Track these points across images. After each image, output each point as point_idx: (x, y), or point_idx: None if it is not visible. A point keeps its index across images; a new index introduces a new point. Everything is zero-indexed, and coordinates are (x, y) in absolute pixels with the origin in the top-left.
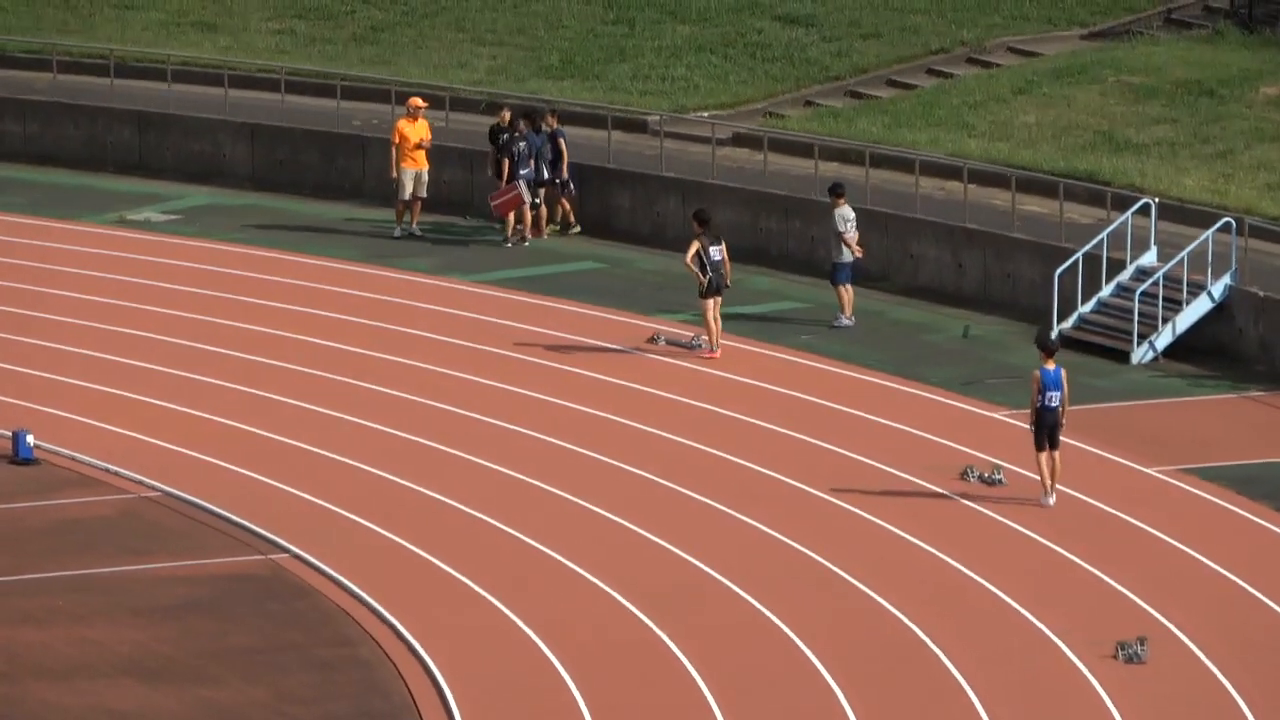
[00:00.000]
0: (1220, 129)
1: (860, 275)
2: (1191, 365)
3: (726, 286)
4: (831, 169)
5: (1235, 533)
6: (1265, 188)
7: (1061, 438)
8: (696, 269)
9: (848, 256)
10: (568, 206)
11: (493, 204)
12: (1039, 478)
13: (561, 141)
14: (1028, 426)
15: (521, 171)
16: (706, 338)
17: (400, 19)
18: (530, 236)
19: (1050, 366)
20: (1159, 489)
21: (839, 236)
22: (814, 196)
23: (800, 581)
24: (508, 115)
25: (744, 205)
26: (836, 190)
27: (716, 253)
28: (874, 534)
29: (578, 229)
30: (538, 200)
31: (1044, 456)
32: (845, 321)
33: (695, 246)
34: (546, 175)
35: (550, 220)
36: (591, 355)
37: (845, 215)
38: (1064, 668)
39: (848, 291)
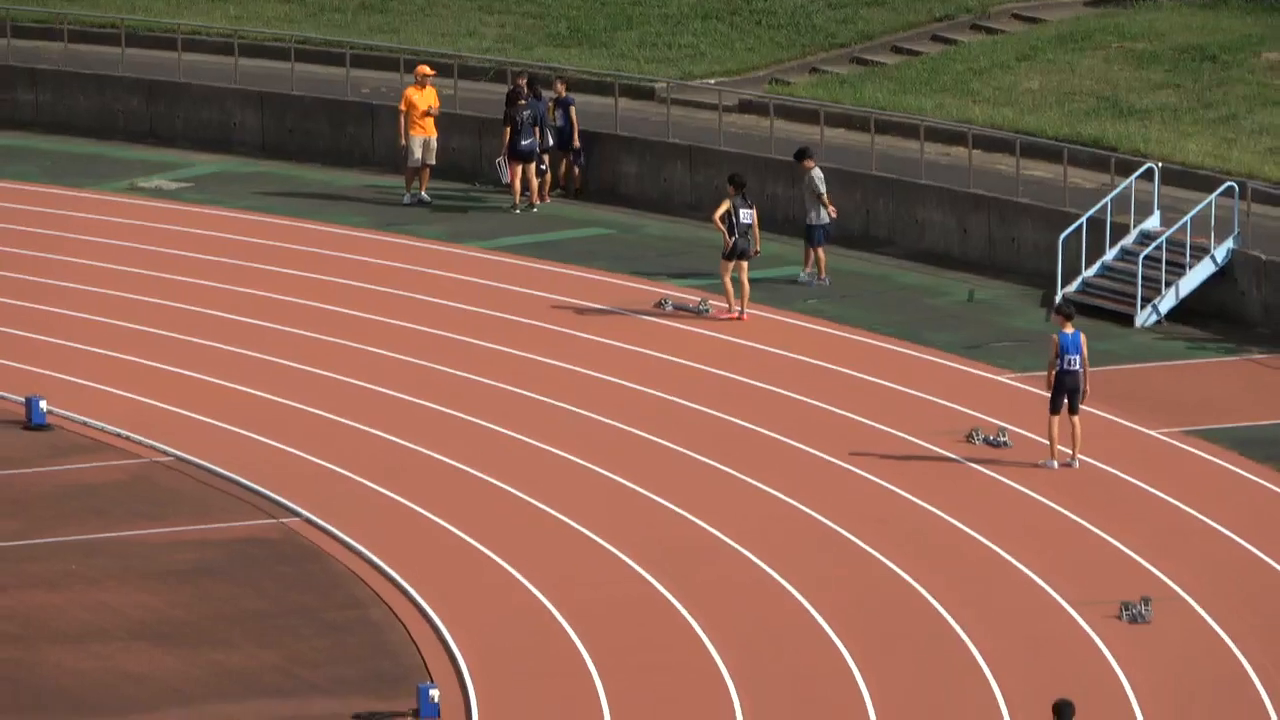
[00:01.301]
0: (1222, 94)
1: (866, 240)
2: (1194, 328)
3: (756, 253)
4: (837, 135)
5: (1238, 494)
6: (1267, 152)
7: (1081, 405)
8: (724, 228)
9: (825, 218)
10: (576, 172)
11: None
12: (1046, 441)
13: (572, 110)
14: (1046, 392)
15: (524, 141)
16: (723, 302)
17: None
18: (537, 203)
19: (1068, 330)
20: (1163, 450)
21: (819, 198)
22: (821, 162)
23: (806, 542)
24: (524, 82)
25: (750, 171)
26: (806, 154)
27: (747, 216)
28: (879, 496)
29: (559, 191)
30: (544, 167)
31: (1056, 420)
32: (822, 281)
33: (725, 205)
34: (551, 142)
35: (554, 186)
36: (599, 320)
37: (820, 177)
38: (1069, 628)
39: (823, 253)
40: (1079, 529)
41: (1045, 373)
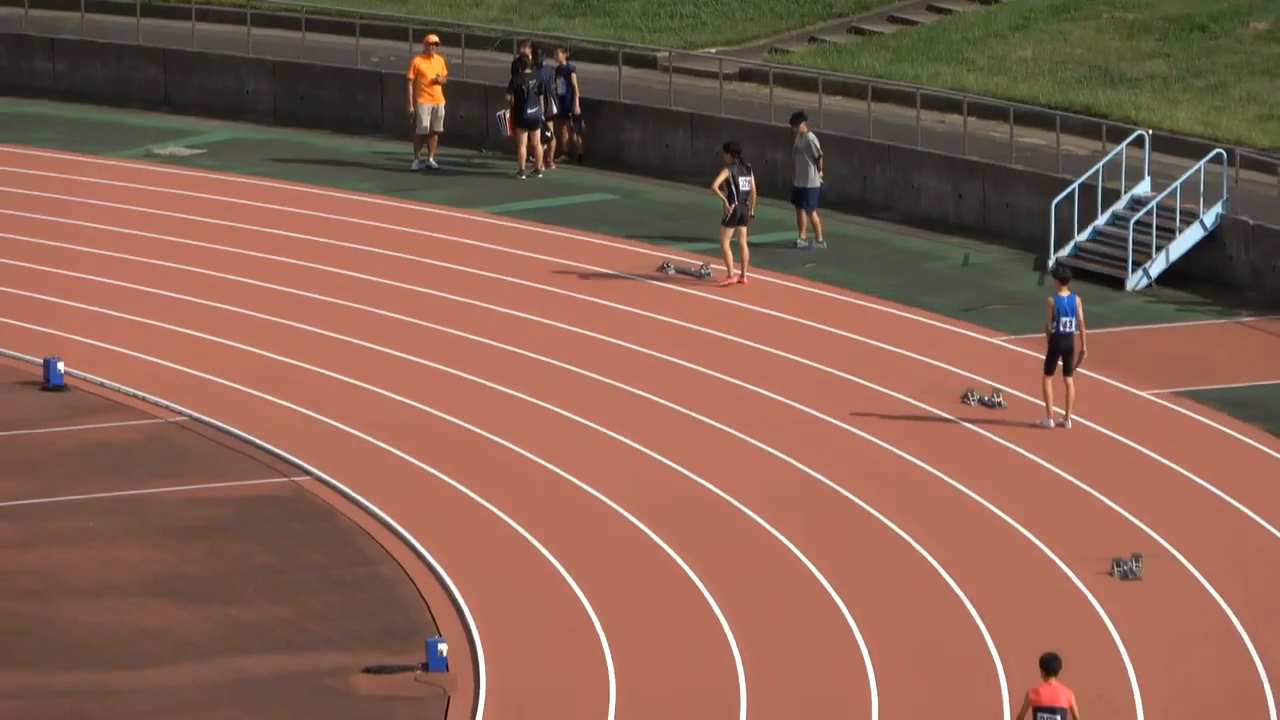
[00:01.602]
0: (1211, 63)
1: (863, 205)
2: (1184, 291)
3: (751, 218)
4: (835, 102)
5: (1228, 454)
6: (1255, 119)
7: (1076, 366)
8: (724, 196)
9: (818, 181)
10: (577, 139)
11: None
12: (1041, 401)
13: (574, 77)
14: (1036, 353)
15: (529, 109)
16: (725, 266)
17: None
18: (542, 169)
19: (1064, 293)
20: (1154, 411)
21: (816, 162)
22: (819, 129)
23: (805, 500)
24: (529, 51)
25: (750, 138)
26: (802, 117)
27: (745, 183)
28: (877, 455)
29: (564, 158)
30: (549, 134)
31: (1050, 381)
32: (820, 244)
33: (725, 175)
34: (555, 110)
35: (559, 152)
36: (603, 283)
37: (814, 141)
38: (1061, 584)
39: (818, 217)
40: (1071, 487)
41: (1042, 335)
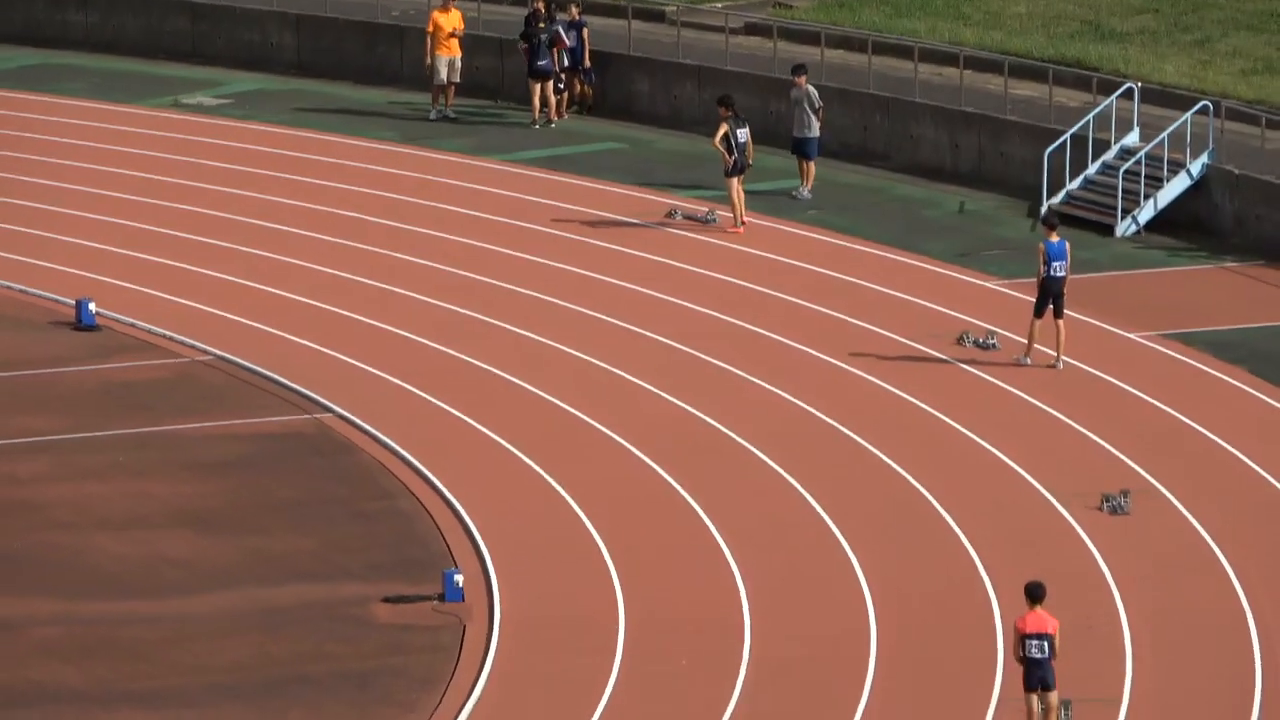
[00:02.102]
0: (1198, 18)
1: (863, 155)
2: (1171, 238)
3: (749, 165)
4: (836, 56)
5: (1212, 394)
6: (1240, 73)
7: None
8: (724, 149)
9: (817, 131)
10: (587, 91)
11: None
12: (1025, 340)
13: (585, 32)
14: (1026, 296)
15: (540, 61)
16: (729, 213)
17: None
18: (555, 119)
19: (1054, 239)
20: (1141, 353)
21: (816, 113)
22: (821, 82)
23: (806, 438)
24: (542, 6)
25: (755, 90)
26: (803, 69)
27: (742, 135)
28: (876, 394)
29: (575, 108)
30: (561, 85)
31: (1039, 324)
32: (806, 194)
33: (723, 129)
34: (566, 63)
35: (571, 103)
36: (614, 229)
37: (813, 93)
38: (1052, 518)
39: (814, 166)
40: (1063, 426)
41: (1033, 279)
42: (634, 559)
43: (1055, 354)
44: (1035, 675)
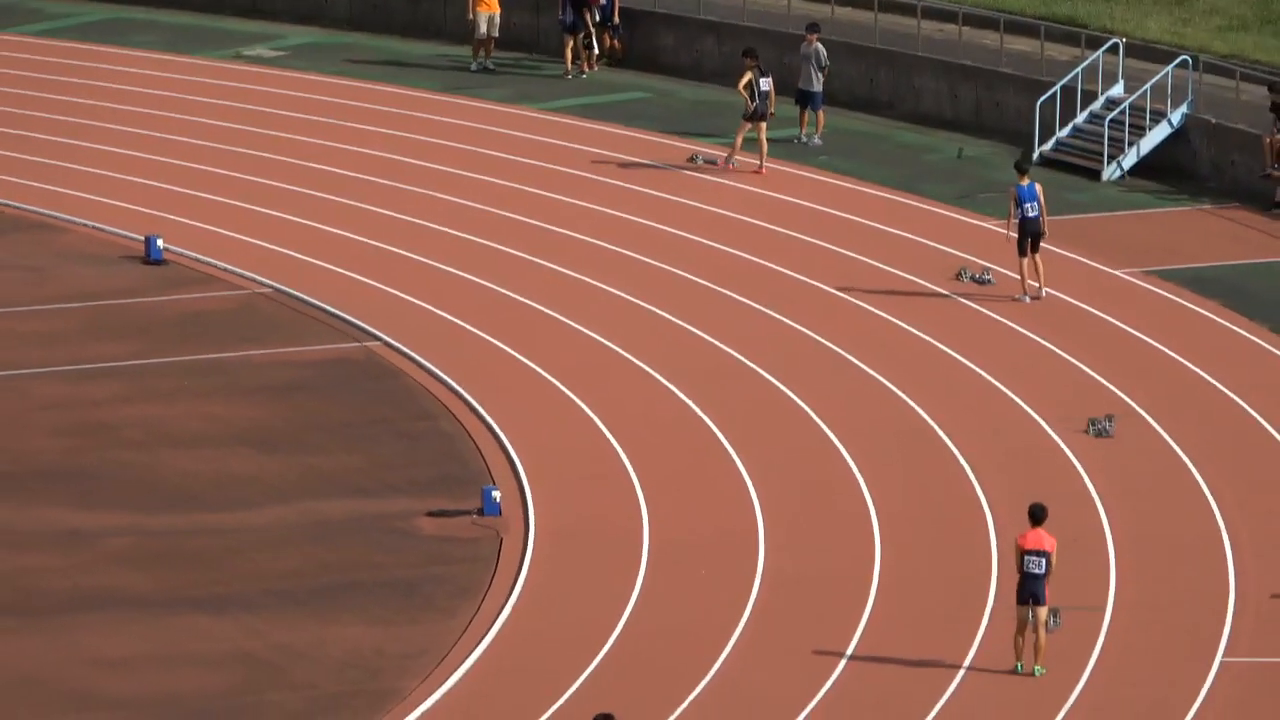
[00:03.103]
0: None
1: (870, 104)
2: (1153, 182)
3: (771, 114)
4: (845, 12)
5: (1190, 326)
6: (1217, 30)
7: (1045, 244)
8: (747, 95)
9: (820, 87)
10: (617, 45)
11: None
12: (1019, 278)
13: None
14: (1008, 234)
15: (567, 19)
16: (740, 157)
17: None
18: (588, 70)
19: (1024, 183)
20: (1125, 288)
21: (822, 70)
22: (830, 37)
23: (816, 365)
24: None
25: (771, 44)
26: (816, 28)
27: (765, 84)
28: (881, 326)
29: (605, 60)
30: (589, 40)
31: (1025, 261)
32: (817, 141)
33: (748, 77)
34: (597, 18)
35: (601, 56)
36: (639, 172)
37: (821, 50)
38: (1043, 441)
39: (822, 115)
40: (1053, 355)
41: (1008, 219)
42: (658, 478)
43: (1038, 285)
44: (1028, 589)
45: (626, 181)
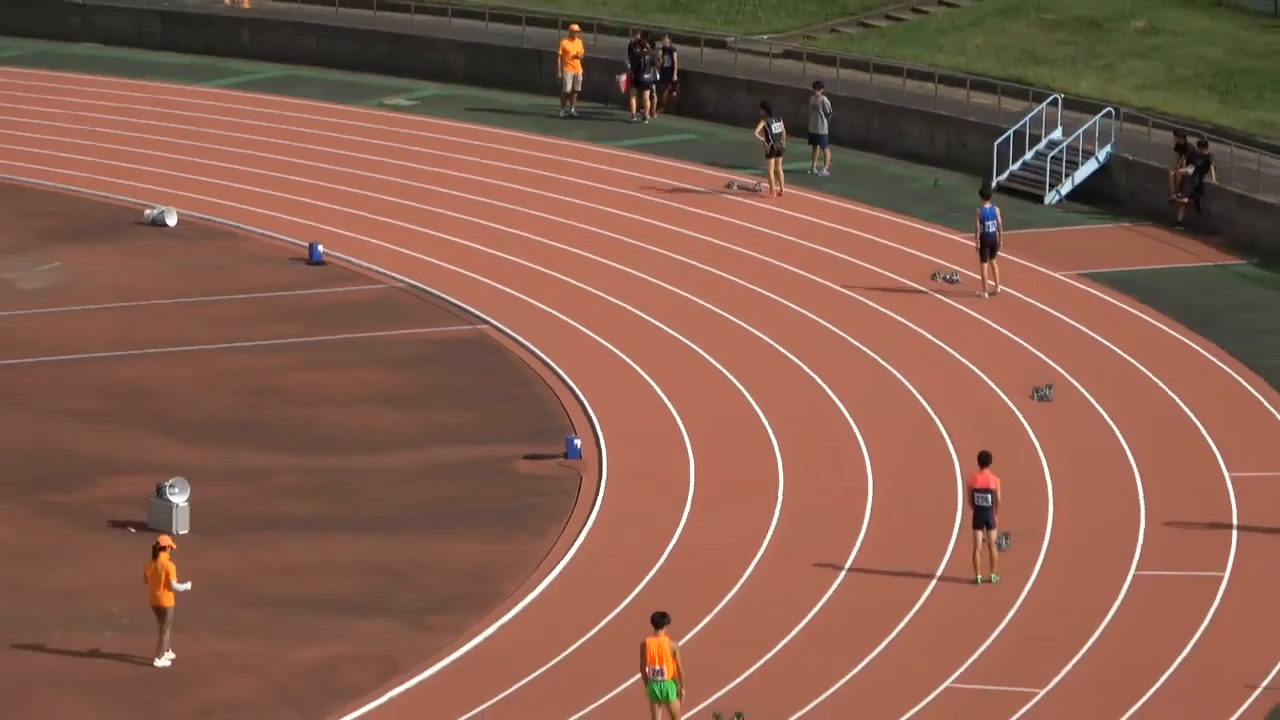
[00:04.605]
0: (1105, 49)
1: (866, 144)
2: (1084, 205)
3: (784, 150)
4: (848, 73)
5: (1114, 317)
6: (1134, 88)
7: (1001, 253)
8: (762, 138)
9: (826, 130)
10: (674, 96)
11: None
12: (980, 278)
13: (675, 55)
14: (974, 244)
15: (644, 75)
16: (766, 184)
17: None
18: (650, 117)
19: (987, 205)
20: (1063, 287)
21: (827, 116)
22: (834, 91)
23: (824, 346)
24: (641, 36)
25: (791, 98)
26: (820, 85)
27: (777, 128)
28: (874, 315)
29: (664, 109)
30: (653, 94)
31: (985, 266)
32: (825, 173)
33: (762, 124)
34: (658, 76)
35: (660, 105)
36: (687, 195)
37: (826, 102)
38: (997, 404)
39: (829, 152)
40: (1006, 338)
41: (974, 232)
42: (702, 433)
43: (995, 284)
44: (980, 518)
45: (676, 201)
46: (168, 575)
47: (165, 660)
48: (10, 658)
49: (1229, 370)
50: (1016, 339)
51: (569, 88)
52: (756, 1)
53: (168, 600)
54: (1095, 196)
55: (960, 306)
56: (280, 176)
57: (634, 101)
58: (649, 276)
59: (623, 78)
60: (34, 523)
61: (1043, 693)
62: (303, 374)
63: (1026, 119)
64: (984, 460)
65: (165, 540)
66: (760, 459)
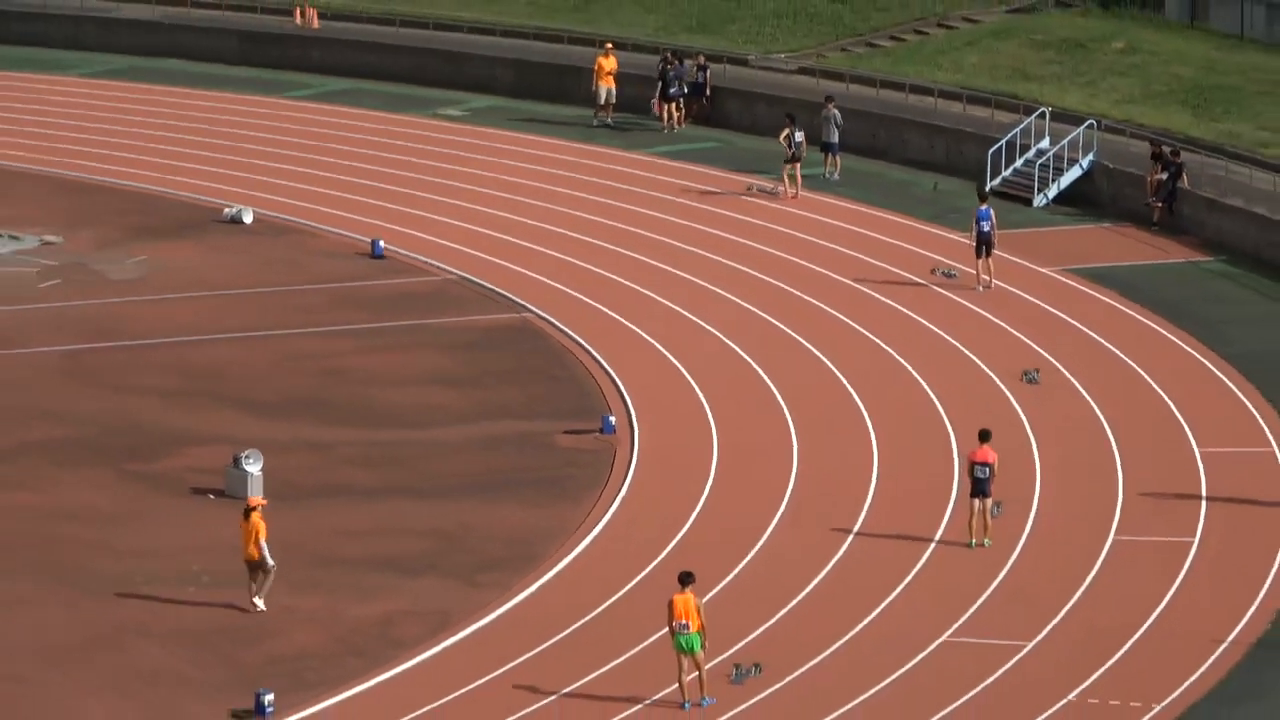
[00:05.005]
0: (1088, 67)
1: (872, 152)
2: (1070, 207)
3: (804, 157)
4: (856, 88)
5: (1096, 308)
6: (1115, 102)
7: (994, 250)
8: (785, 144)
9: (837, 139)
10: (705, 105)
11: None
12: (975, 273)
13: (708, 72)
14: (970, 242)
15: (671, 90)
16: (783, 188)
17: None
18: (677, 127)
19: (982, 206)
20: (1050, 281)
21: (838, 127)
22: (845, 104)
23: (833, 333)
24: (670, 54)
25: (805, 109)
26: (830, 99)
27: (799, 136)
28: (879, 305)
29: (691, 120)
30: (680, 106)
31: (981, 262)
32: (836, 177)
33: (785, 131)
34: (685, 90)
35: (688, 116)
36: (711, 196)
37: (837, 114)
38: (990, 386)
39: (839, 159)
40: (998, 326)
41: (970, 231)
42: (724, 410)
43: (989, 278)
44: (977, 488)
45: (702, 203)
46: (258, 533)
47: (260, 603)
48: (104, 609)
49: (1199, 356)
50: (1008, 328)
51: (603, 100)
52: (775, 24)
53: (257, 555)
54: (1079, 200)
55: (957, 298)
56: (346, 179)
57: (664, 113)
58: (676, 270)
59: (654, 100)
60: (122, 489)
61: (1030, 646)
62: (365, 357)
63: (1017, 130)
64: (984, 437)
65: (255, 500)
66: (777, 435)
